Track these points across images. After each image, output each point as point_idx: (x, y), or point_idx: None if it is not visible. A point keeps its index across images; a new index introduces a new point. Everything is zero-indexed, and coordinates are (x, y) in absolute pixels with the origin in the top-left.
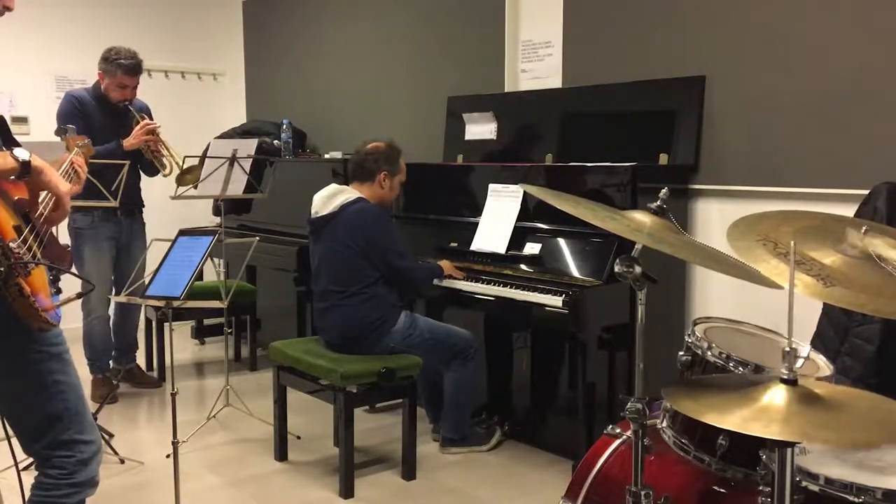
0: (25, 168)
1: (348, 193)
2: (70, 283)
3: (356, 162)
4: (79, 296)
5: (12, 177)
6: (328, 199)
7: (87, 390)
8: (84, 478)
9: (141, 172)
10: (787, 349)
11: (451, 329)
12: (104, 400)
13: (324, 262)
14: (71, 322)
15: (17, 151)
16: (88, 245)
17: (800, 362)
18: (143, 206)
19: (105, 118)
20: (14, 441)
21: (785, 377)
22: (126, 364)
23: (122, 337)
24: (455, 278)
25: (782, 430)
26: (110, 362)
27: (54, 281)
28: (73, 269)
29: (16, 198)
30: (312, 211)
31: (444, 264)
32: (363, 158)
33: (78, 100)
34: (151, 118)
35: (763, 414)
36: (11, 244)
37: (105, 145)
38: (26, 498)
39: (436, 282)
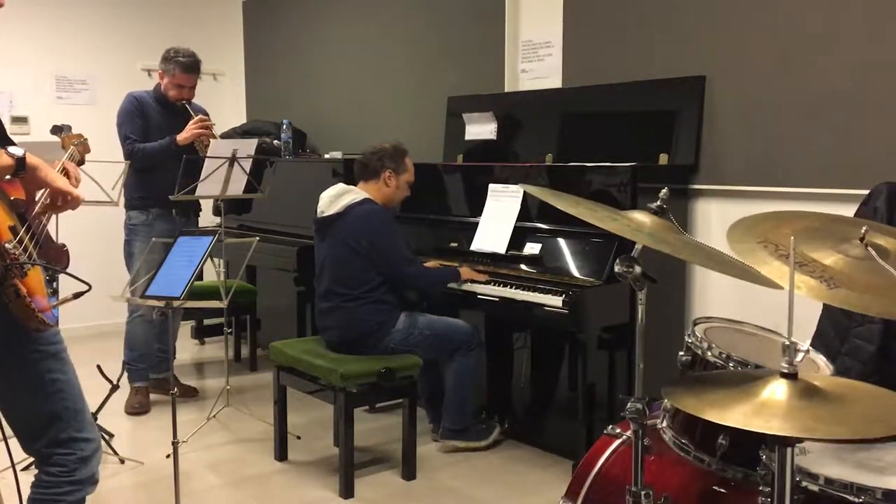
0: (21, 164)
1: (355, 194)
2: (74, 284)
3: (361, 161)
4: (75, 296)
5: (8, 175)
6: (335, 198)
7: (123, 398)
8: (84, 475)
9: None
10: (787, 343)
11: (451, 322)
12: (105, 400)
13: (328, 263)
14: (71, 322)
15: (12, 149)
16: (140, 242)
17: (799, 356)
18: (201, 208)
19: (163, 118)
20: (11, 442)
21: (785, 371)
22: (161, 372)
23: (161, 342)
24: (477, 282)
25: (783, 425)
26: (149, 373)
27: (50, 281)
28: (69, 270)
29: (12, 198)
30: (318, 210)
31: (463, 270)
32: (367, 157)
33: (137, 99)
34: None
35: (764, 409)
36: (7, 245)
37: (158, 141)
38: (25, 497)
39: (454, 286)
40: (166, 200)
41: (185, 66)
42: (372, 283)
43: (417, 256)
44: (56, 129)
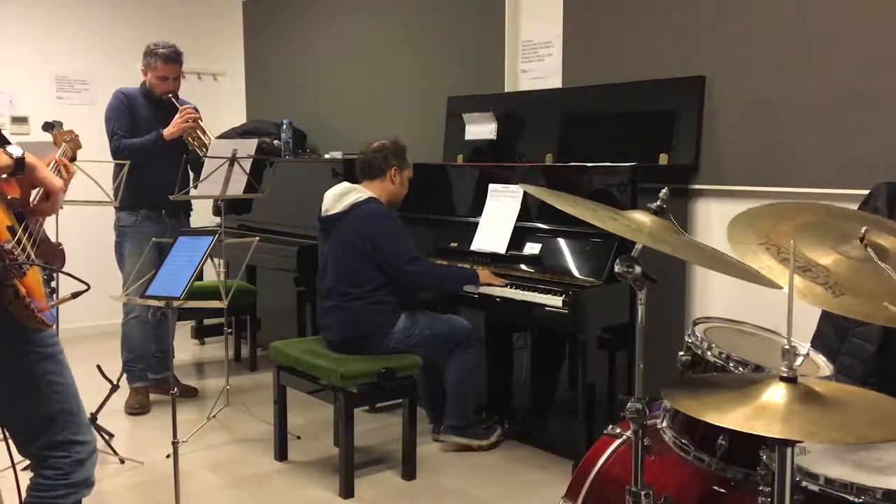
0: (19, 165)
1: (359, 193)
2: (72, 284)
3: (364, 160)
4: (74, 296)
5: (5, 175)
6: (339, 197)
7: (122, 398)
8: (80, 478)
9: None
10: (787, 347)
11: (451, 320)
12: (104, 400)
13: (331, 261)
14: (71, 322)
15: (11, 148)
16: (130, 243)
17: (799, 360)
18: (191, 209)
19: (152, 114)
20: (11, 442)
21: (785, 375)
22: (160, 372)
23: (158, 343)
24: (494, 286)
25: (783, 428)
26: (148, 373)
27: (48, 281)
28: (66, 270)
29: (9, 197)
30: (322, 208)
31: (482, 273)
32: (371, 156)
33: (126, 95)
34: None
35: (763, 412)
36: (6, 245)
37: (145, 136)
38: (23, 499)
39: (470, 289)
40: (155, 201)
41: (166, 56)
42: (375, 283)
43: (423, 256)
44: (48, 126)
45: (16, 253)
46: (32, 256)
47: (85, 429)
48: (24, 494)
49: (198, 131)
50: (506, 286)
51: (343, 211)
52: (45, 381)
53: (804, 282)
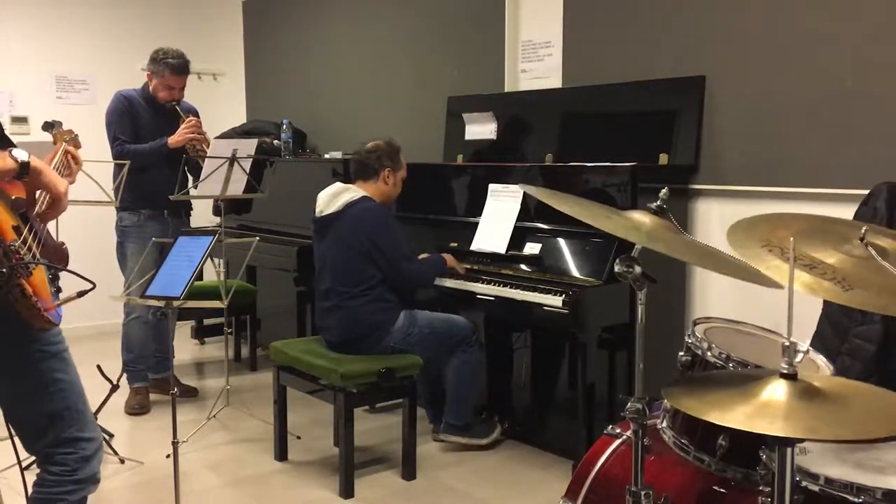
0: (24, 169)
1: (353, 192)
2: (72, 283)
3: (358, 161)
4: (79, 294)
5: (9, 177)
6: (332, 197)
7: (122, 398)
8: (86, 474)
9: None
10: (787, 343)
11: (450, 319)
12: (105, 400)
13: (328, 261)
14: (72, 321)
15: (16, 152)
16: (132, 243)
17: (799, 356)
18: (192, 208)
19: (153, 118)
20: (17, 440)
21: (785, 371)
22: (160, 372)
23: (158, 343)
24: (457, 273)
25: (785, 426)
26: (148, 374)
27: (53, 280)
28: (71, 268)
29: (13, 197)
30: (317, 209)
31: (447, 257)
32: (364, 157)
33: (127, 98)
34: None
35: (765, 410)
36: (12, 245)
37: (150, 143)
38: (29, 496)
39: (452, 285)
40: (157, 201)
41: (175, 67)
42: (372, 281)
43: (413, 254)
44: (47, 126)
45: (22, 252)
46: (37, 256)
47: (91, 425)
48: (29, 491)
49: (203, 144)
50: (464, 277)
51: (338, 211)
52: (51, 379)
53: (812, 277)
